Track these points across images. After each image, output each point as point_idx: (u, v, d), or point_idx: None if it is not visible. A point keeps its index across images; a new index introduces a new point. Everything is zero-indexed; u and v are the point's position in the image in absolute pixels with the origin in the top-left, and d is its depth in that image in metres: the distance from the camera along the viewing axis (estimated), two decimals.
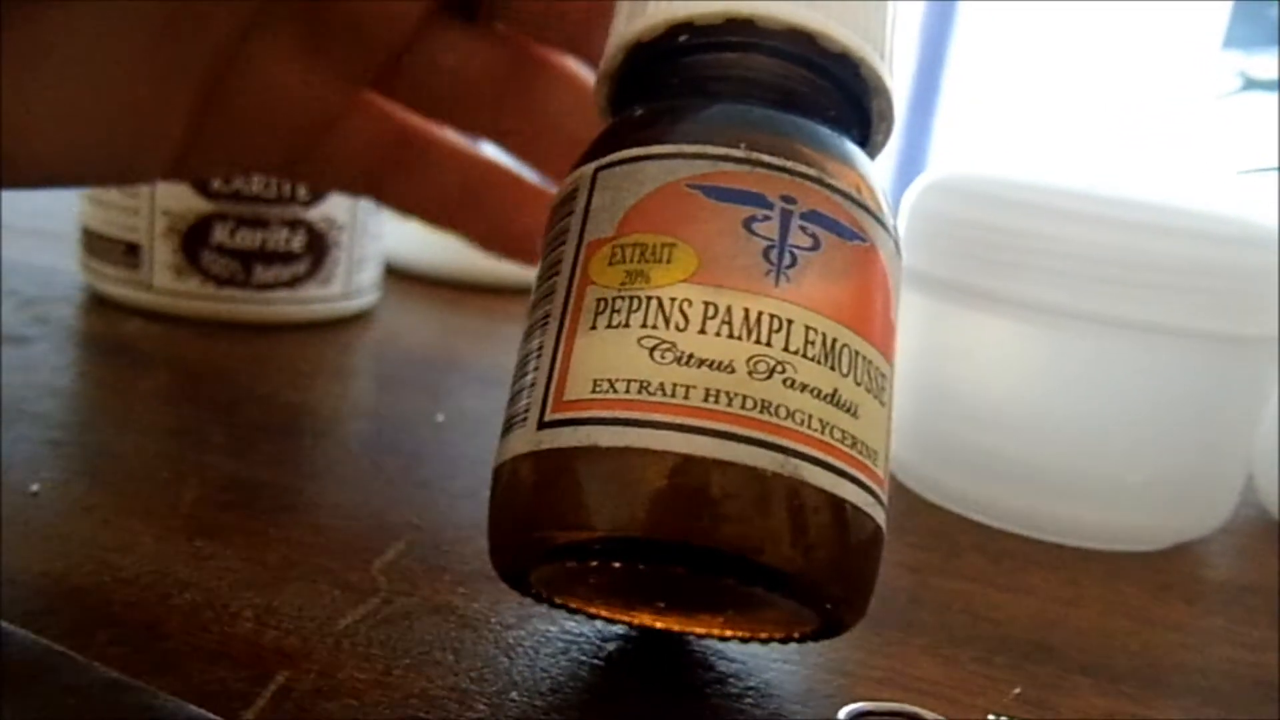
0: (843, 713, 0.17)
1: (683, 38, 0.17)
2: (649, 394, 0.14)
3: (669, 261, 0.15)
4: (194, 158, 0.22)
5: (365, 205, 0.38)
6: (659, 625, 0.18)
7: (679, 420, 0.14)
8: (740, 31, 0.17)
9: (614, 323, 0.15)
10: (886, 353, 0.16)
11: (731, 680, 0.18)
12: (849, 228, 0.16)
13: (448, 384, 0.35)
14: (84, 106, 0.19)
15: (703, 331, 0.15)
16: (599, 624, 0.19)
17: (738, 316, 0.15)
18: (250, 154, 0.24)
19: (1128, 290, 0.26)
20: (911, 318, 0.30)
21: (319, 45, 0.22)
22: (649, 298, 0.15)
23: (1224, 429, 0.28)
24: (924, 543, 0.27)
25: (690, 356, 0.14)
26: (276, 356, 0.34)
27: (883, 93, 0.18)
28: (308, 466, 0.26)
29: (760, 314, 0.15)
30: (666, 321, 0.15)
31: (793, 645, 0.19)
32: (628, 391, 0.14)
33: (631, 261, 0.15)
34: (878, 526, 0.16)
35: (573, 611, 0.18)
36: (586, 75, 0.24)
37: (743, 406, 0.14)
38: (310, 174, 0.25)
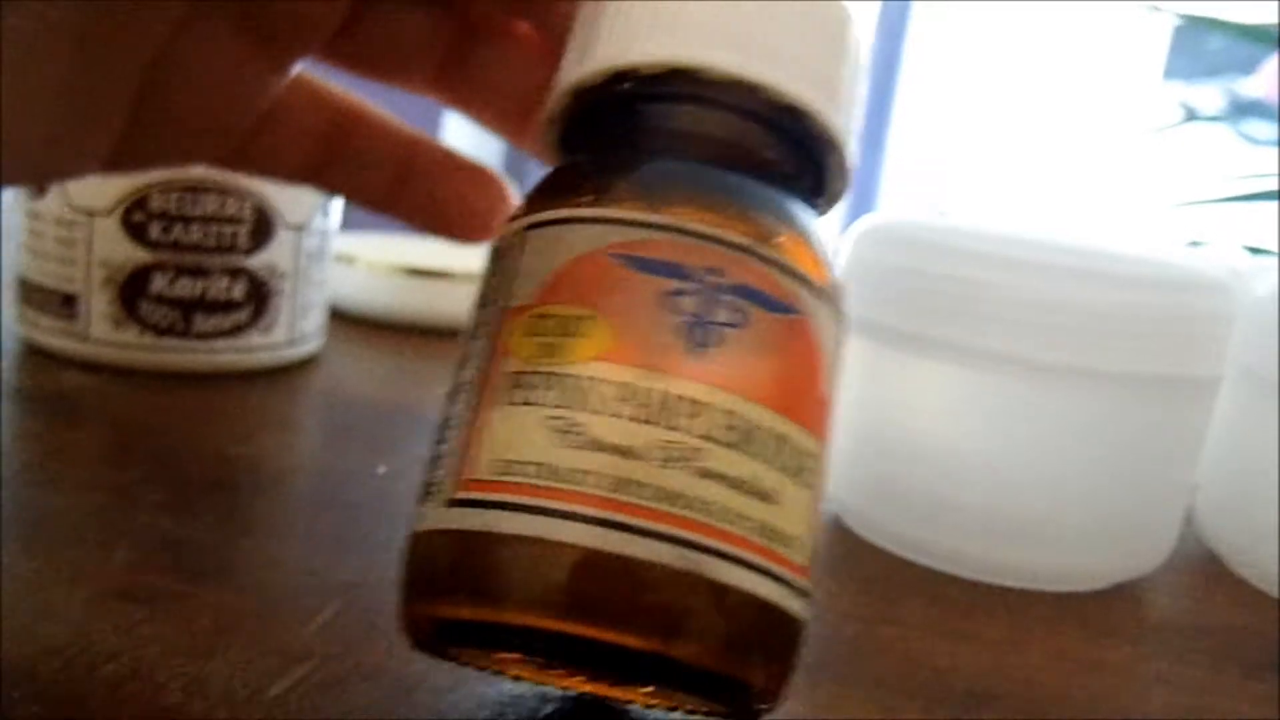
0: None
1: (626, 85, 0.17)
2: (555, 480, 0.14)
3: (584, 336, 0.15)
4: (131, 150, 0.22)
5: (309, 252, 0.38)
6: (586, 689, 0.18)
7: (583, 510, 0.14)
8: (684, 82, 0.17)
9: (526, 400, 0.15)
10: (814, 429, 0.16)
11: None
12: (779, 301, 0.15)
13: (392, 432, 0.35)
14: (17, 107, 0.19)
15: (615, 415, 0.14)
16: (536, 685, 0.19)
17: (652, 399, 0.14)
18: (189, 144, 0.23)
19: (1064, 335, 0.26)
20: (852, 362, 0.30)
21: (256, 32, 0.22)
22: (562, 375, 0.14)
23: (1163, 468, 0.28)
24: (866, 588, 0.27)
25: (598, 441, 0.14)
26: (218, 407, 0.34)
27: (837, 146, 0.18)
28: (245, 524, 0.25)
29: (676, 397, 0.14)
30: (577, 402, 0.14)
31: None
32: (535, 476, 0.14)
33: (547, 335, 0.15)
34: (787, 615, 0.15)
35: (495, 673, 0.17)
36: (532, 33, 0.24)
37: (651, 498, 0.14)
38: (250, 163, 0.25)
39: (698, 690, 0.15)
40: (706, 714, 0.17)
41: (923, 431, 0.28)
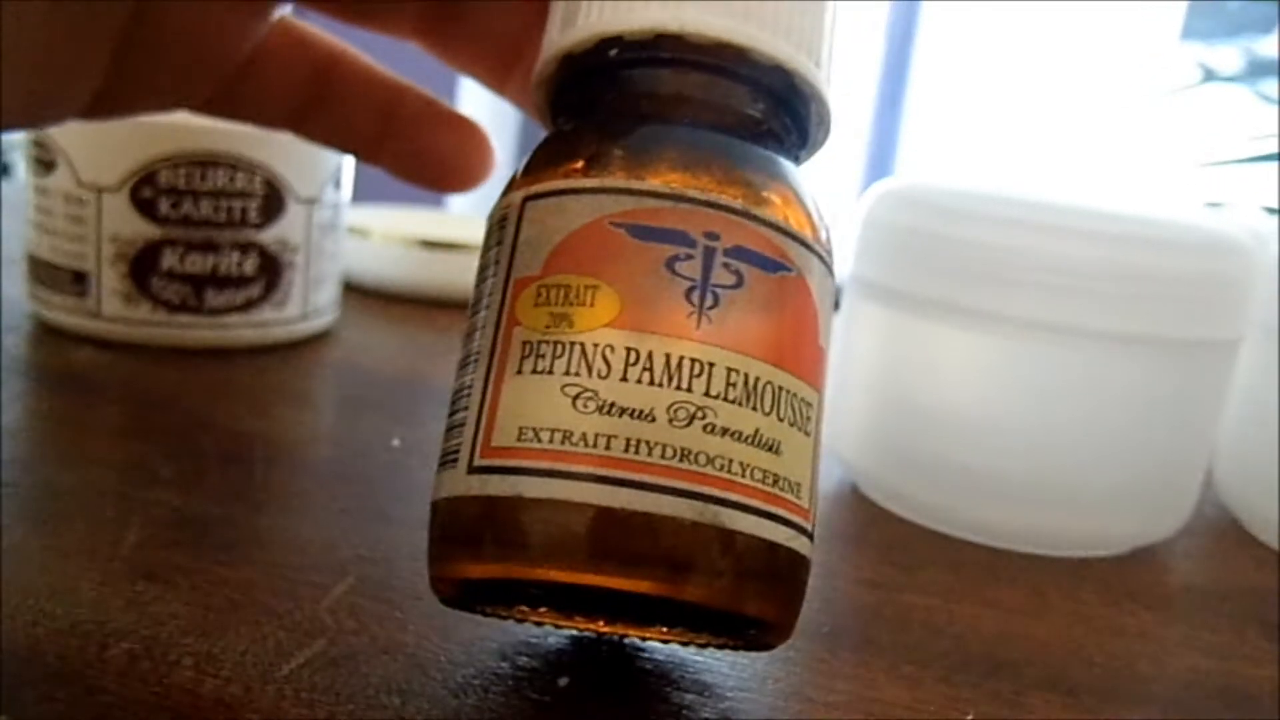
0: None
1: (612, 52, 0.17)
2: (571, 444, 0.15)
3: (592, 305, 0.15)
4: (112, 96, 0.22)
5: (321, 225, 0.38)
6: (606, 631, 0.18)
7: (600, 471, 0.14)
8: (670, 47, 0.17)
9: (539, 368, 0.15)
10: (813, 381, 0.17)
11: (687, 712, 0.18)
12: (775, 260, 0.16)
13: (407, 405, 0.35)
14: None
15: (624, 379, 0.15)
16: (551, 659, 0.19)
17: (659, 362, 0.15)
18: (169, 90, 0.23)
19: (1084, 299, 0.26)
20: (870, 329, 0.29)
21: None
22: (572, 343, 0.15)
23: (1183, 432, 0.28)
24: (885, 556, 0.26)
25: (612, 405, 0.15)
26: (231, 383, 0.34)
27: (820, 99, 0.18)
28: (258, 499, 0.25)
29: (681, 359, 0.15)
30: (589, 369, 0.15)
31: (749, 673, 0.19)
32: (551, 441, 0.15)
33: (556, 304, 0.15)
34: (798, 556, 0.16)
35: (519, 621, 0.18)
36: None
37: (663, 456, 0.15)
38: (234, 108, 0.25)
39: (714, 628, 0.16)
40: (721, 647, 0.18)
41: (941, 398, 0.28)
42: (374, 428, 0.31)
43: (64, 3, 0.18)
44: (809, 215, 0.17)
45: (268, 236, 0.36)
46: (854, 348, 0.30)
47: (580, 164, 0.17)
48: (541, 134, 0.19)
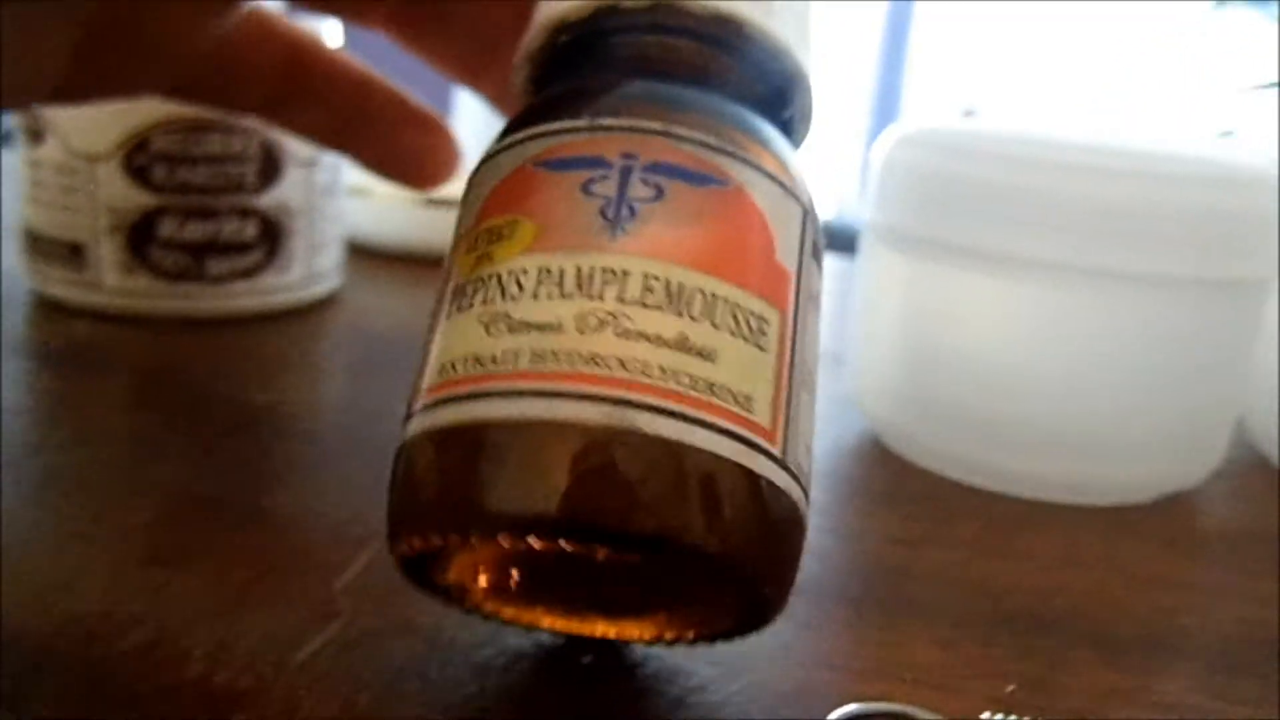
0: (832, 717, 0.17)
1: (563, 38, 0.18)
2: (482, 367, 0.14)
3: (510, 238, 0.15)
4: (77, 84, 0.21)
5: (320, 187, 0.37)
6: (596, 633, 0.17)
7: (507, 387, 0.14)
8: (610, 17, 0.18)
9: (462, 306, 0.15)
10: (767, 295, 0.15)
11: (715, 685, 0.17)
12: (702, 173, 0.15)
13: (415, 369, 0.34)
14: None
15: (535, 297, 0.14)
16: (573, 636, 0.18)
17: (569, 277, 0.14)
18: (136, 79, 0.23)
19: (1110, 239, 0.25)
20: (891, 277, 0.29)
21: None
22: (490, 275, 0.15)
23: (1215, 374, 0.27)
24: (915, 511, 0.26)
25: (521, 323, 0.14)
26: (235, 352, 0.33)
27: (776, 52, 0.18)
28: (268, 474, 0.25)
29: (594, 269, 0.14)
30: (503, 294, 0.15)
31: (775, 643, 0.19)
32: (466, 368, 0.14)
33: (480, 247, 0.15)
34: (757, 478, 0.14)
35: (505, 622, 0.17)
36: None
37: (570, 363, 0.14)
38: (203, 96, 0.25)
39: (682, 589, 0.15)
40: (709, 637, 0.16)
41: (966, 345, 0.27)
42: (383, 394, 0.31)
43: None
44: (750, 138, 0.16)
45: (267, 201, 0.35)
46: (876, 296, 0.29)
47: (509, 127, 0.17)
48: None
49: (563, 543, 0.14)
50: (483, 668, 0.17)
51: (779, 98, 0.19)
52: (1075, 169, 0.25)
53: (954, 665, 0.19)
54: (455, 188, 0.38)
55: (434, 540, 0.14)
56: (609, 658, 0.18)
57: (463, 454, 0.14)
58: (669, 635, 0.16)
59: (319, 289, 0.38)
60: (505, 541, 0.14)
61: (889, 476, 0.28)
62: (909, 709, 0.17)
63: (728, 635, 0.16)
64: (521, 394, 0.14)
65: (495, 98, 0.24)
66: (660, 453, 0.14)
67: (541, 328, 0.14)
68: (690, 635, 0.16)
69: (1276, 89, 1.13)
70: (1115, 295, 0.25)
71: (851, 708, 0.17)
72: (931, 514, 0.25)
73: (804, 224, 0.17)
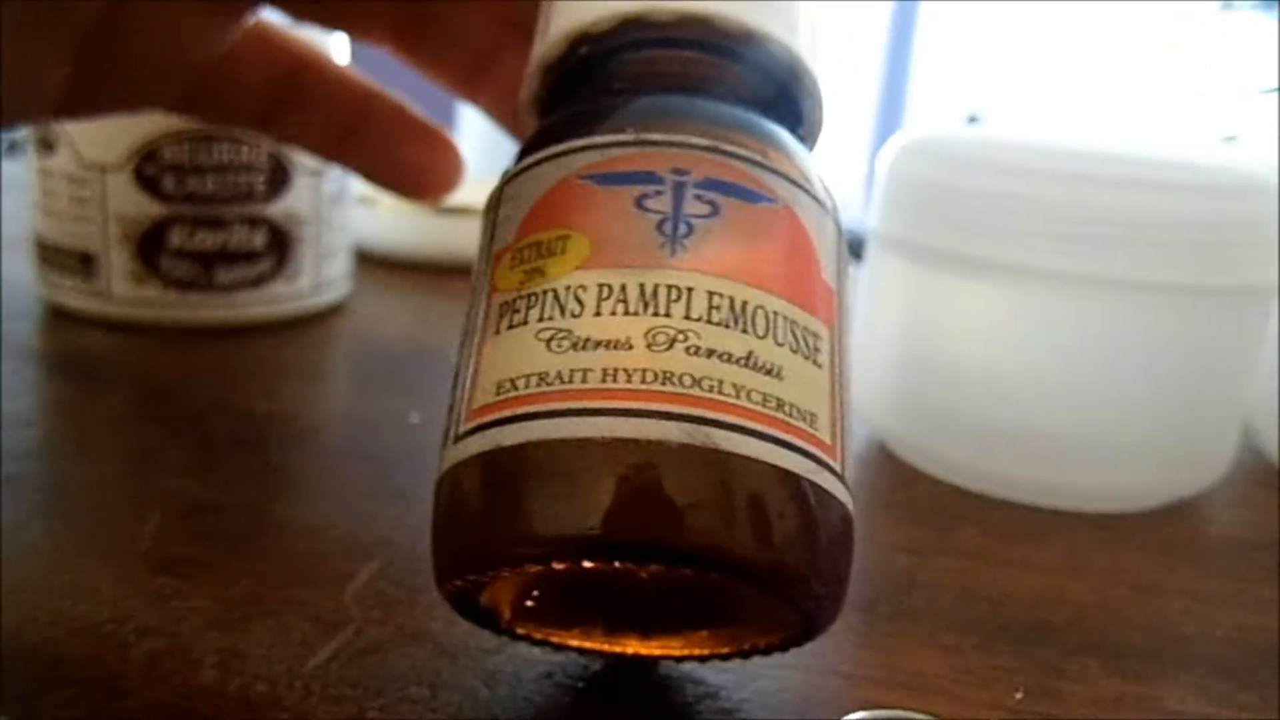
0: None
1: (584, 49, 0.18)
2: (547, 385, 0.14)
3: (563, 253, 0.15)
4: (81, 98, 0.21)
5: (329, 196, 0.37)
6: (630, 651, 0.17)
7: (577, 405, 0.13)
8: (633, 29, 0.17)
9: (514, 323, 0.15)
10: (820, 313, 0.15)
11: (724, 694, 0.18)
12: (754, 190, 0.15)
13: (425, 377, 0.34)
14: None
15: (598, 314, 0.14)
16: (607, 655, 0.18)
17: (633, 293, 0.14)
18: (141, 92, 0.23)
19: (1112, 248, 0.25)
20: (895, 285, 0.29)
21: None
22: (545, 291, 0.14)
23: (1218, 381, 0.27)
24: (919, 518, 0.26)
25: (587, 340, 0.14)
26: (244, 361, 0.33)
27: (799, 68, 0.18)
28: (276, 484, 0.25)
29: (657, 286, 0.14)
30: (562, 310, 0.14)
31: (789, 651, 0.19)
32: (527, 387, 0.14)
33: (529, 261, 0.15)
34: (827, 494, 0.14)
35: (537, 643, 0.17)
36: None
37: (642, 381, 0.13)
38: (203, 108, 0.25)
39: (743, 607, 0.15)
40: (764, 649, 0.16)
41: (970, 353, 0.27)
42: (391, 403, 0.31)
43: (19, 5, 0.18)
44: (791, 158, 0.17)
45: (276, 210, 0.35)
46: (880, 304, 0.29)
47: (549, 139, 0.16)
48: None
49: (653, 566, 0.13)
50: (493, 676, 0.17)
51: (797, 113, 0.19)
52: (1078, 178, 0.25)
53: (959, 673, 0.19)
54: (462, 197, 0.38)
55: (505, 571, 0.14)
56: (638, 675, 0.18)
57: (537, 476, 0.13)
58: (711, 651, 0.16)
59: (327, 297, 0.39)
60: (572, 566, 0.14)
61: (893, 484, 0.28)
62: (916, 716, 0.17)
63: (768, 650, 0.16)
64: (596, 413, 0.13)
65: (492, 109, 0.24)
66: (744, 472, 0.13)
67: (609, 345, 0.14)
68: (727, 650, 0.16)
69: (1278, 94, 1.13)
70: (1119, 304, 0.25)
71: (859, 715, 0.17)
72: (935, 521, 0.26)
73: (838, 241, 0.17)
